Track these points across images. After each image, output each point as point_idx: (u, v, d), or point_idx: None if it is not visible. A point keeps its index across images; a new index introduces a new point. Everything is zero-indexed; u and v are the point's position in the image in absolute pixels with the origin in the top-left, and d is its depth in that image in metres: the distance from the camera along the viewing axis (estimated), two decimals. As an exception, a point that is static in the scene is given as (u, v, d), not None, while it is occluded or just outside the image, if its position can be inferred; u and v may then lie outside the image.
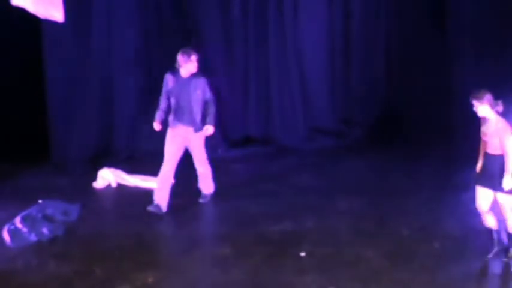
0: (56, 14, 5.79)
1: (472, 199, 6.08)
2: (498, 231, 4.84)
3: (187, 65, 5.51)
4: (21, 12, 5.52)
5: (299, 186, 6.70)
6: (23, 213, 5.42)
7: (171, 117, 5.65)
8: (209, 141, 8.13)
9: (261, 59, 8.69)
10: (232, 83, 8.67)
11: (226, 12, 8.43)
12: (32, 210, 5.52)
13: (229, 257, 4.80)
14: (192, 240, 5.12)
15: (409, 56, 9.28)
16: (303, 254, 4.85)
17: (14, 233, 5.18)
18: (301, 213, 5.75)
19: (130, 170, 6.95)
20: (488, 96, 4.61)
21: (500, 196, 4.65)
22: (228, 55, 8.56)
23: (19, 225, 5.25)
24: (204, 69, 8.26)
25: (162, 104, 5.71)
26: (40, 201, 5.87)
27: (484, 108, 4.61)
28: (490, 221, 4.83)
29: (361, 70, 9.36)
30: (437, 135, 8.29)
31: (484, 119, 4.69)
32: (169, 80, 5.61)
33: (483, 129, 4.73)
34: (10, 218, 5.35)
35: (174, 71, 5.59)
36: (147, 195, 6.39)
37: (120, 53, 7.81)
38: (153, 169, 7.07)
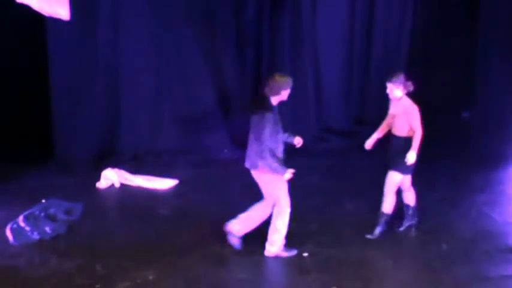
0: (62, 11, 6.02)
1: (485, 201, 6.31)
2: (414, 208, 5.45)
3: (285, 93, 4.82)
4: (26, 9, 5.80)
5: (306, 186, 6.91)
6: (26, 212, 5.78)
7: (275, 159, 4.87)
8: (215, 142, 8.48)
9: (275, 57, 8.85)
10: (243, 80, 8.89)
11: (240, 9, 8.60)
12: (35, 209, 5.87)
13: (231, 256, 5.08)
14: (194, 240, 5.41)
15: (432, 57, 9.45)
16: (305, 254, 5.11)
17: (17, 231, 5.53)
18: (306, 214, 5.98)
19: (134, 170, 7.28)
20: (402, 78, 5.14)
21: (392, 174, 5.27)
22: (240, 51, 8.75)
23: (22, 224, 5.60)
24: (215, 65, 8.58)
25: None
26: (43, 200, 6.22)
27: (398, 90, 5.12)
28: (410, 198, 5.44)
29: (380, 70, 9.49)
30: (454, 137, 8.45)
31: (394, 100, 5.20)
32: (272, 118, 4.77)
33: (392, 111, 5.26)
34: (14, 217, 5.70)
35: (269, 105, 4.76)
36: (150, 195, 6.75)
37: (127, 51, 8.08)
38: (157, 169, 7.44)
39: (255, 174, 5.07)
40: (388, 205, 5.37)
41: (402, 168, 5.24)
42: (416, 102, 9.60)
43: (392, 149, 5.33)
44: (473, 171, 7.28)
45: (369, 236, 5.34)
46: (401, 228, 5.52)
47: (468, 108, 9.70)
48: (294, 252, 5.12)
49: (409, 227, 5.54)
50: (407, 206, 5.54)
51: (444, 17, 9.33)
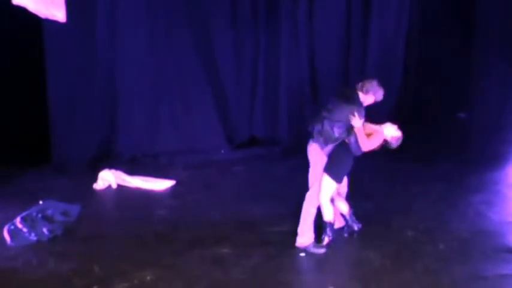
0: (58, 13, 6.05)
1: (482, 201, 6.35)
2: (350, 215, 5.41)
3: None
4: (22, 11, 5.81)
5: (303, 187, 6.90)
6: (23, 214, 5.79)
7: None
8: (212, 142, 8.51)
9: (271, 57, 8.94)
10: (240, 81, 8.94)
11: (237, 8, 8.68)
12: (32, 211, 5.88)
13: (228, 257, 5.09)
14: (192, 240, 5.42)
15: (428, 58, 9.49)
16: (302, 254, 5.12)
17: (14, 232, 5.54)
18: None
19: (132, 171, 7.30)
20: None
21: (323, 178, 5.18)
22: (236, 52, 8.81)
23: (19, 225, 5.60)
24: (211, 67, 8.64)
25: None
26: (40, 201, 6.23)
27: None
28: (343, 207, 5.39)
29: (376, 72, 9.52)
30: (450, 137, 8.50)
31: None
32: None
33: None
34: (11, 218, 5.71)
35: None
36: (147, 196, 6.76)
37: (124, 53, 8.12)
38: (154, 170, 7.46)
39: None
40: (327, 213, 5.25)
41: (330, 172, 5.15)
42: (413, 103, 9.72)
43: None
44: (470, 171, 7.34)
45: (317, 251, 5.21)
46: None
47: (465, 109, 9.75)
48: (321, 251, 5.15)
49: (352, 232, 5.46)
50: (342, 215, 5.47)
51: (441, 18, 9.38)
